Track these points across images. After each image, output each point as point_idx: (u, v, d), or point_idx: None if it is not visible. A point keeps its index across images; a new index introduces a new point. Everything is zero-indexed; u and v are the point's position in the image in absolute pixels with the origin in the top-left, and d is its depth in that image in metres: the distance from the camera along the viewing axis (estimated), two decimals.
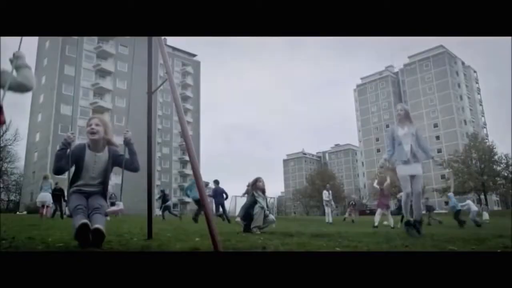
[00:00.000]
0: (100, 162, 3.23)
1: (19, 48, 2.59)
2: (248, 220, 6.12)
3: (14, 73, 2.46)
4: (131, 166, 3.35)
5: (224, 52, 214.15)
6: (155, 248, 3.13)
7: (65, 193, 3.70)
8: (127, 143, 3.37)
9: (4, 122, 2.22)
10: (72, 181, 3.19)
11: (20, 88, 2.46)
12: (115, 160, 3.30)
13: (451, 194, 13.29)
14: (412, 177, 5.07)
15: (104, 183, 3.28)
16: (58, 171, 3.13)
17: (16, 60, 2.46)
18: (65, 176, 3.23)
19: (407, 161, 5.07)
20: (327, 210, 14.84)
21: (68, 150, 3.13)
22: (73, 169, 3.19)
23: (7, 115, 2.71)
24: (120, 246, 3.25)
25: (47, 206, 12.23)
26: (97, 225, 2.74)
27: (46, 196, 12.09)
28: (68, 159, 3.10)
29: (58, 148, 3.16)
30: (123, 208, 3.31)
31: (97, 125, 3.19)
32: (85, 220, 2.75)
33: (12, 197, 53.81)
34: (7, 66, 2.45)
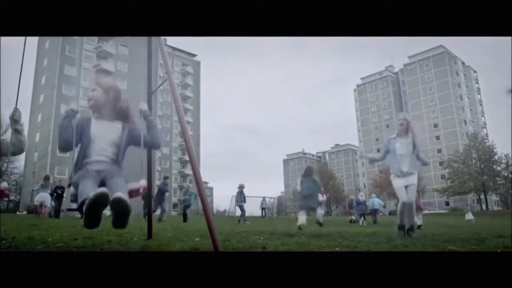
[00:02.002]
0: (110, 131, 2.64)
1: (23, 49, 2.78)
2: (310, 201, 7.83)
3: (10, 138, 2.92)
4: (150, 142, 2.80)
5: (224, 52, 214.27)
6: (155, 248, 3.13)
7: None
8: (144, 115, 2.85)
9: (7, 195, 2.96)
10: (79, 162, 2.56)
11: (14, 154, 2.97)
12: (132, 136, 2.69)
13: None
14: (407, 187, 5.16)
15: (118, 161, 2.61)
16: (64, 144, 2.57)
17: (14, 123, 2.85)
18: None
19: (402, 175, 5.15)
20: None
21: (73, 120, 2.61)
22: (77, 151, 2.61)
23: (7, 115, 2.82)
24: (120, 246, 3.25)
25: (45, 206, 12.54)
26: (118, 193, 2.14)
27: (45, 197, 12.40)
28: (74, 130, 2.56)
29: (61, 119, 2.67)
30: (145, 184, 2.72)
31: (93, 90, 2.70)
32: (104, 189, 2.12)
33: (12, 197, 53.86)
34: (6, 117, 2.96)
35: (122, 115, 2.74)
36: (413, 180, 5.18)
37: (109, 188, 2.27)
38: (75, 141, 2.54)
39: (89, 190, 2.20)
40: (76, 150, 2.58)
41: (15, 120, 2.80)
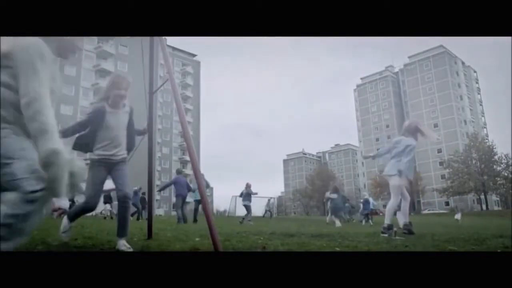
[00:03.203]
0: (122, 119, 3.03)
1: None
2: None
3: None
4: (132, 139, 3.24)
5: (224, 52, 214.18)
6: (155, 248, 3.13)
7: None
8: (140, 132, 3.48)
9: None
10: (87, 145, 2.90)
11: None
12: (131, 122, 3.13)
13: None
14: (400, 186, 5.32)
15: (130, 147, 3.06)
16: (69, 134, 2.88)
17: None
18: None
19: (400, 174, 5.21)
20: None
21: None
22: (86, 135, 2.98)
23: None
24: None
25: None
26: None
27: None
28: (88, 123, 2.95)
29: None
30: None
31: (126, 90, 3.01)
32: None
33: None
34: None
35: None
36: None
37: (114, 178, 2.95)
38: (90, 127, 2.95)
39: (90, 190, 2.91)
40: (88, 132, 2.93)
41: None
